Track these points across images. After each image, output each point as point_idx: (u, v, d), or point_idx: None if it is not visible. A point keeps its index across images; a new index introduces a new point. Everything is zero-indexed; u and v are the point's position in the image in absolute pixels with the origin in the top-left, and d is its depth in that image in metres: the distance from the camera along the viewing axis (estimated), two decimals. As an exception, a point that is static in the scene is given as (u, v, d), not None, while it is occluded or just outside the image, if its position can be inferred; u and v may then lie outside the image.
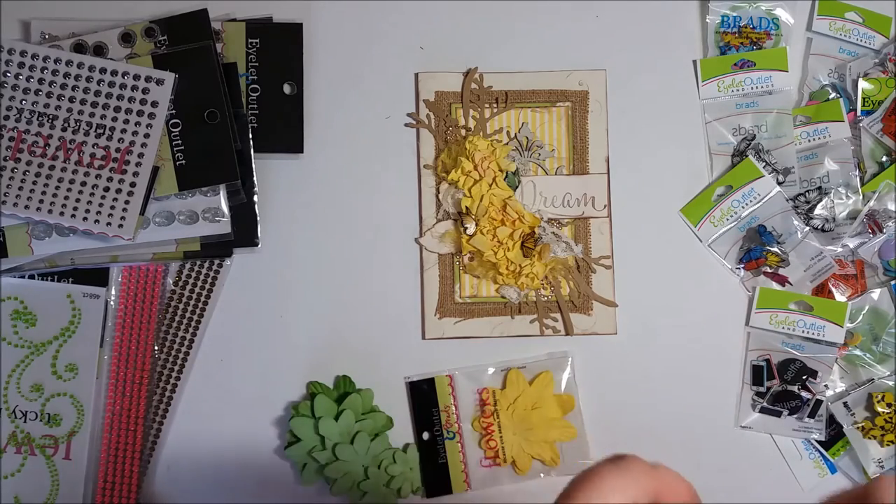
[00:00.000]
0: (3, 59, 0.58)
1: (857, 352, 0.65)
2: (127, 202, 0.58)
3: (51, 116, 0.58)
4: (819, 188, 0.66)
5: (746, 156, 0.65)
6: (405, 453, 0.62)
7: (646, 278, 0.65)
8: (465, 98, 0.65)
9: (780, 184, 0.65)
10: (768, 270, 0.65)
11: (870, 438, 0.63)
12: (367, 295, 0.64)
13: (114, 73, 0.58)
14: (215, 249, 0.61)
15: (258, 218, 0.62)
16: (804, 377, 0.64)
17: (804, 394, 0.64)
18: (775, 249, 0.65)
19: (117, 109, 0.58)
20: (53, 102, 0.58)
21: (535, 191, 0.64)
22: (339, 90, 0.65)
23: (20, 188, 0.57)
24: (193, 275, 0.62)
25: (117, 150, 0.58)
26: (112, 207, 0.58)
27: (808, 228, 0.65)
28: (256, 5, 0.64)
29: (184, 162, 0.59)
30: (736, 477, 0.64)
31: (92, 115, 0.58)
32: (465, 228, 0.63)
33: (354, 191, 0.64)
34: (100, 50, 0.60)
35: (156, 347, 0.62)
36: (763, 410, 0.64)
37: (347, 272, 0.64)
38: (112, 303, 0.61)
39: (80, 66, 0.58)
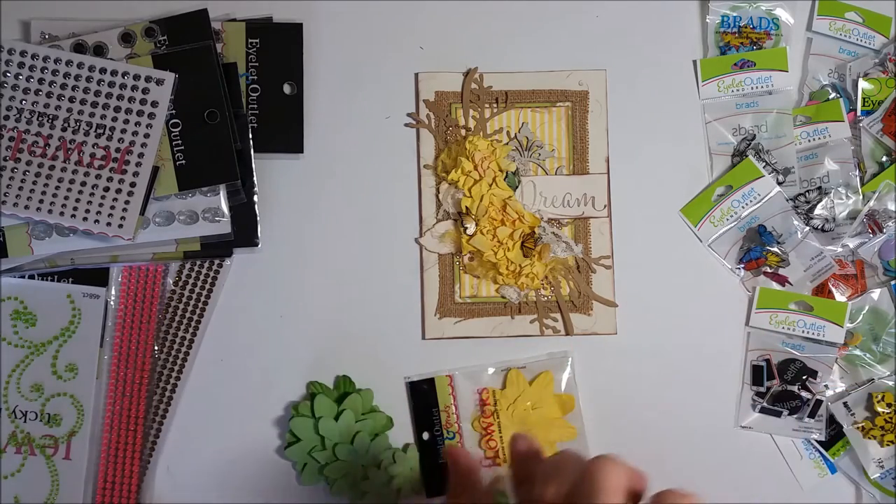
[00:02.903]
0: (3, 59, 0.58)
1: (857, 352, 0.65)
2: (127, 202, 0.58)
3: (51, 116, 0.58)
4: (819, 188, 0.66)
5: (746, 156, 0.65)
6: (405, 453, 0.62)
7: (646, 278, 0.65)
8: (465, 98, 0.65)
9: (780, 184, 0.65)
10: (768, 270, 0.65)
11: (870, 438, 0.64)
12: (367, 295, 0.64)
13: (114, 73, 0.58)
14: (215, 249, 0.61)
15: (258, 218, 0.62)
16: (804, 377, 0.64)
17: (804, 394, 0.64)
18: (775, 249, 0.65)
19: (117, 109, 0.58)
20: (53, 102, 0.58)
21: (535, 191, 0.64)
22: (339, 90, 0.65)
23: (20, 188, 0.57)
24: (193, 275, 0.62)
25: (117, 150, 0.58)
26: (112, 207, 0.58)
27: (808, 228, 0.65)
28: (256, 5, 0.64)
29: (184, 162, 0.59)
30: (736, 477, 0.64)
31: (92, 115, 0.58)
32: (465, 228, 0.63)
33: (354, 191, 0.64)
34: (100, 50, 0.60)
35: (156, 347, 0.62)
36: (763, 410, 0.64)
37: (347, 272, 0.64)
38: (112, 303, 0.61)
39: (80, 66, 0.58)
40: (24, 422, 0.60)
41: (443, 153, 0.64)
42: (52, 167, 0.58)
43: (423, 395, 0.63)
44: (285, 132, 0.63)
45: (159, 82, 0.58)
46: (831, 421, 0.65)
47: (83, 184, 0.58)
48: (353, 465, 0.61)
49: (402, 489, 0.61)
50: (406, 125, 0.65)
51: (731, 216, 0.65)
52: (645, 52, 0.66)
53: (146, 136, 0.58)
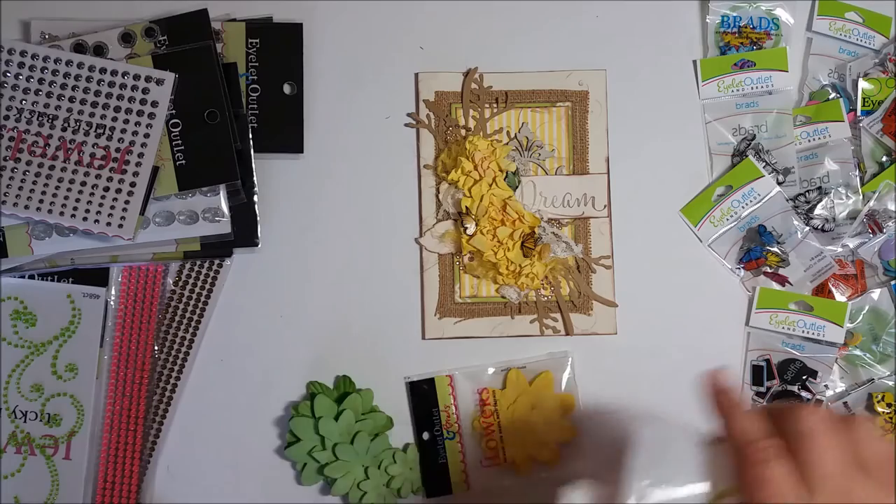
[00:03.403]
0: (3, 59, 0.58)
1: (857, 352, 0.65)
2: (127, 202, 0.58)
3: (51, 116, 0.58)
4: (819, 188, 0.66)
5: (746, 156, 0.65)
6: (405, 453, 0.62)
7: (646, 278, 0.65)
8: (465, 98, 0.65)
9: (780, 184, 0.65)
10: (768, 270, 0.65)
11: (870, 438, 0.63)
12: (367, 295, 0.64)
13: (114, 73, 0.58)
14: (215, 249, 0.61)
15: (258, 218, 0.62)
16: (804, 377, 0.64)
17: (804, 394, 0.64)
18: (775, 249, 0.65)
19: (117, 109, 0.58)
20: (53, 102, 0.58)
21: (535, 191, 0.64)
22: (339, 90, 0.65)
23: (20, 188, 0.57)
24: (193, 275, 0.62)
25: (117, 150, 0.58)
26: (112, 207, 0.58)
27: (808, 228, 0.65)
28: (256, 5, 0.64)
29: (184, 162, 0.59)
30: (736, 477, 0.64)
31: (92, 115, 0.58)
32: (465, 228, 0.63)
33: (354, 191, 0.64)
34: (100, 50, 0.60)
35: (156, 347, 0.62)
36: (763, 410, 0.64)
37: (347, 272, 0.64)
38: (112, 303, 0.61)
39: (80, 66, 0.58)
40: (24, 422, 0.60)
41: (443, 153, 0.64)
42: (52, 167, 0.58)
43: (423, 395, 0.63)
44: (285, 132, 0.63)
45: (159, 82, 0.58)
46: (831, 421, 0.65)
47: (83, 184, 0.58)
48: (353, 465, 0.61)
49: (402, 489, 0.61)
50: (406, 125, 0.65)
51: (731, 216, 0.65)
52: (645, 52, 0.66)
53: (146, 136, 0.58)
